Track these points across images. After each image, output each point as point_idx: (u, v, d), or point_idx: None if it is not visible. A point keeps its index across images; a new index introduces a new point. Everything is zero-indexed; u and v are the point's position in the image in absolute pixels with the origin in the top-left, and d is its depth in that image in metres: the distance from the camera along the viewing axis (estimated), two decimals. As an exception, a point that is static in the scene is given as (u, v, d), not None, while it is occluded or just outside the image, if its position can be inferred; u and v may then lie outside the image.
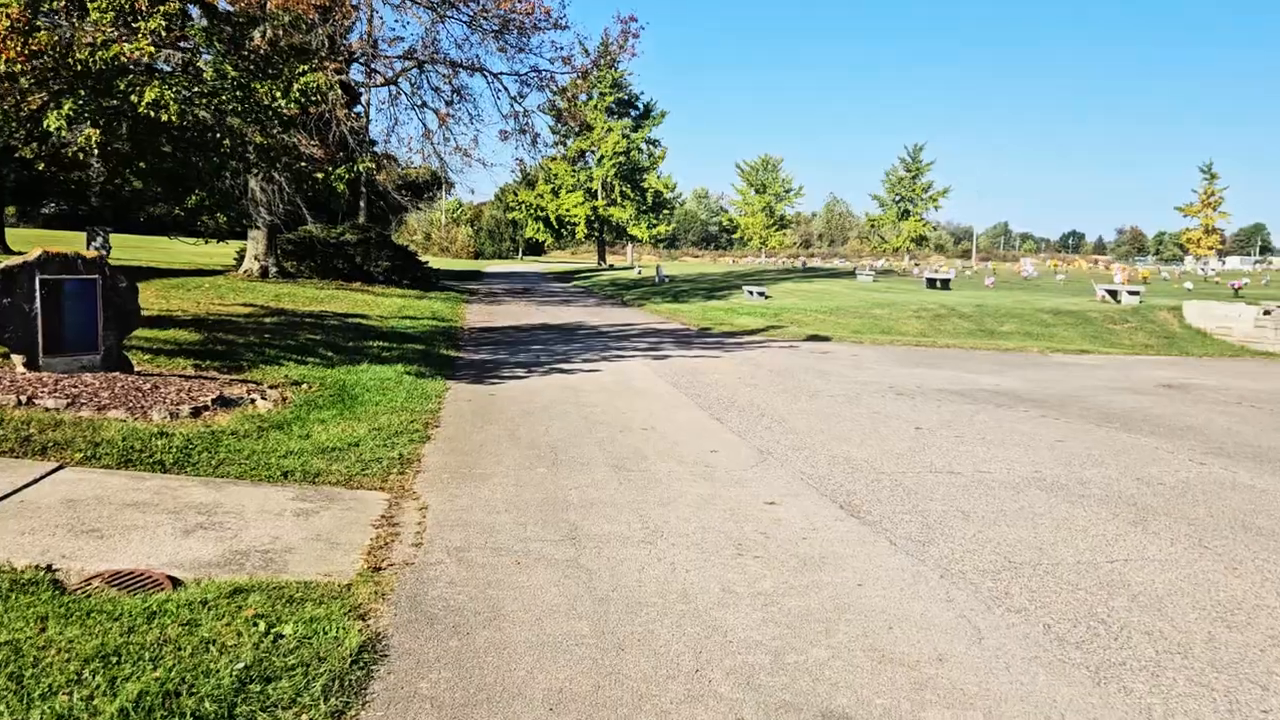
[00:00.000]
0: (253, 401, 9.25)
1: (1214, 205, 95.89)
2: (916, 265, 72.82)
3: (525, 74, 30.16)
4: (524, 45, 29.50)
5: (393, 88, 30.41)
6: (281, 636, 4.01)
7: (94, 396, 8.31)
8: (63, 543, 5.09)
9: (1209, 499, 7.27)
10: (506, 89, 30.27)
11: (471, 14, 28.34)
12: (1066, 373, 15.87)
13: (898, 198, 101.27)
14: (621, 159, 73.96)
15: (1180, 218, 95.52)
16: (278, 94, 11.00)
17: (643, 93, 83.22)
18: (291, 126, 12.99)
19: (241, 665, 3.69)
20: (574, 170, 75.48)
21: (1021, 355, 18.76)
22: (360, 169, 12.78)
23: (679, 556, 5.52)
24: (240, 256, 30.37)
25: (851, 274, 50.78)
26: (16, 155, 13.76)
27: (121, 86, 9.12)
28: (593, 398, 11.47)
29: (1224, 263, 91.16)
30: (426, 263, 38.82)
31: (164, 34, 9.10)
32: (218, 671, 3.62)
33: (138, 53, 8.95)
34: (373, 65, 29.67)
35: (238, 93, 10.91)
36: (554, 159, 70.50)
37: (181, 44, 11.10)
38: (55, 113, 9.07)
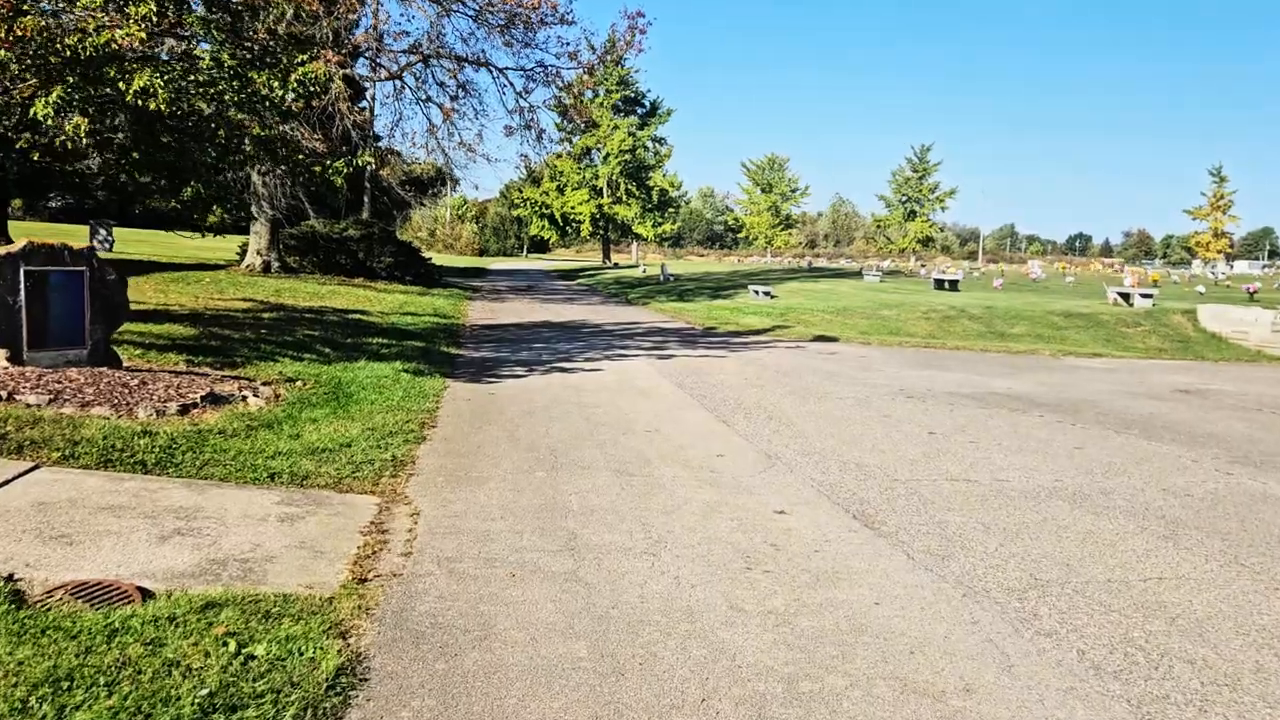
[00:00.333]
0: (244, 399, 8.94)
1: (1223, 209, 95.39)
2: (923, 266, 72.41)
3: (531, 69, 29.83)
4: (530, 40, 29.17)
5: (397, 82, 30.08)
6: (253, 658, 3.70)
7: (78, 392, 8.01)
8: (29, 550, 4.78)
9: (1240, 512, 6.93)
10: (512, 84, 29.90)
11: (478, 8, 28.02)
12: (1080, 376, 15.51)
13: (904, 198, 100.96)
14: (627, 156, 73.60)
15: (1188, 221, 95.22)
16: (275, 84, 10.68)
17: (649, 90, 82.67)
18: (290, 118, 12.69)
19: (206, 692, 3.38)
20: (579, 168, 75.13)
21: (1033, 358, 18.40)
22: (360, 162, 12.48)
23: (684, 570, 5.20)
24: (242, 251, 30.10)
25: (858, 274, 50.41)
26: (18, 147, 13.48)
27: (111, 74, 8.80)
28: (595, 398, 11.15)
29: (1232, 266, 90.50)
30: (430, 259, 38.49)
31: (155, 19, 8.78)
32: (179, 699, 3.31)
33: (129, 39, 8.63)
34: (378, 59, 29.38)
35: (234, 82, 10.60)
36: (559, 156, 70.13)
37: (178, 31, 10.79)
38: (43, 100, 8.77)
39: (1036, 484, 7.63)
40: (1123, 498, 7.26)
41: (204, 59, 10.81)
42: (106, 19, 8.84)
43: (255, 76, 10.56)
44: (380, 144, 35.07)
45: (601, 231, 78.97)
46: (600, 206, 74.97)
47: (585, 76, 31.38)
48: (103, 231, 38.89)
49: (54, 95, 8.60)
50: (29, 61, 8.83)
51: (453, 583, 4.85)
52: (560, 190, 75.46)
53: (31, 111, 8.68)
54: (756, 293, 32.18)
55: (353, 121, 26.02)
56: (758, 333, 21.31)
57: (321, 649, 3.84)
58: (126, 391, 8.30)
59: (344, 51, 24.04)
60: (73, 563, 4.69)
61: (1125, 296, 28.02)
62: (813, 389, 12.62)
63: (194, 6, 11.67)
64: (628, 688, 3.77)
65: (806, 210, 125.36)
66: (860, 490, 7.18)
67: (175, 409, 8.08)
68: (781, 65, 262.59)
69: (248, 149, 11.17)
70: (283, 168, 13.91)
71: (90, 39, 8.39)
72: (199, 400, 8.44)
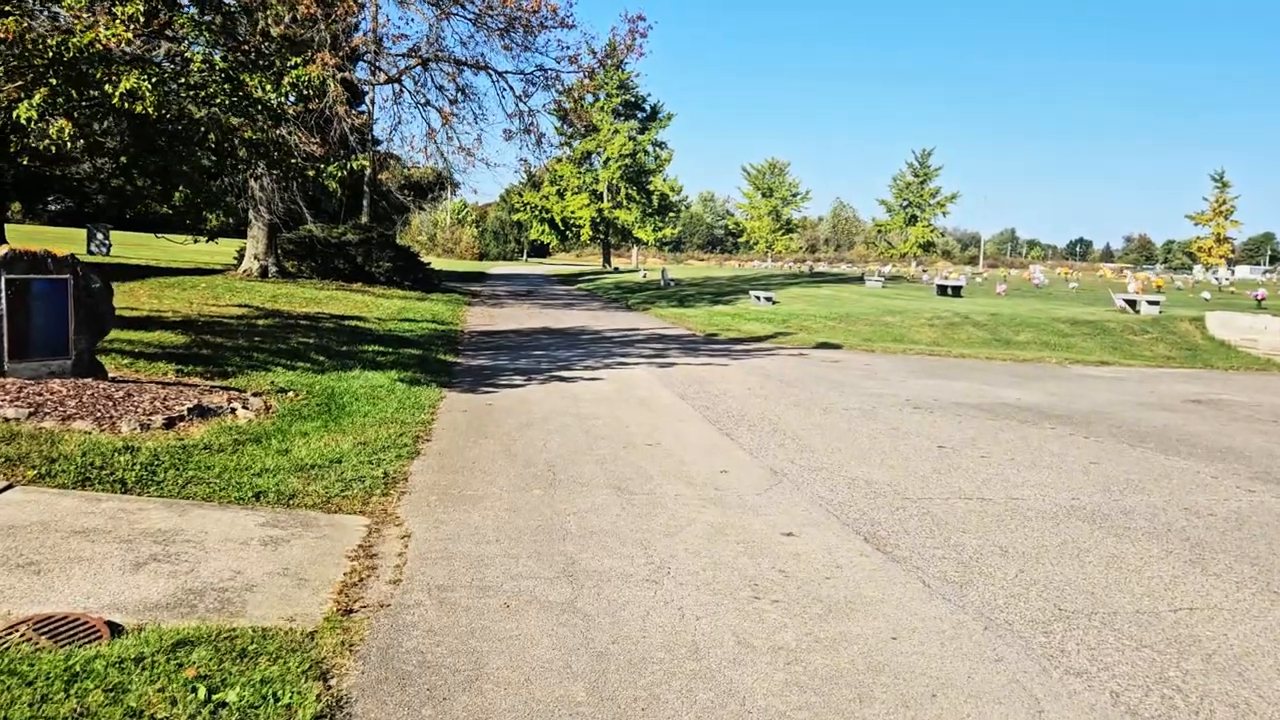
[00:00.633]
0: (232, 411, 8.67)
1: (1225, 214, 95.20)
2: (924, 271, 72.14)
3: (531, 73, 29.60)
4: (530, 44, 28.95)
5: (396, 86, 29.85)
6: (224, 705, 3.42)
7: (59, 405, 7.73)
8: (-7, 579, 4.50)
9: (1268, 533, 6.65)
10: (511, 88, 29.67)
11: (477, 11, 27.80)
12: (1089, 386, 15.24)
13: (905, 203, 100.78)
14: (628, 161, 73.42)
15: (1190, 226, 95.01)
16: (268, 86, 10.42)
17: (649, 94, 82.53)
18: (284, 121, 12.43)
19: (169, 747, 3.10)
20: (580, 172, 74.95)
21: (1040, 366, 18.12)
22: (355, 166, 12.19)
23: (688, 599, 4.92)
24: (240, 256, 29.84)
25: (860, 279, 50.13)
26: (11, 150, 13.23)
27: (97, 75, 8.54)
28: (595, 409, 10.87)
29: (1233, 272, 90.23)
30: (429, 264, 38.25)
31: (143, 19, 8.52)
32: (139, 756, 3.03)
33: (114, 39, 8.37)
34: (376, 63, 29.14)
35: (225, 85, 10.34)
36: (559, 160, 69.99)
37: (166, 33, 10.53)
38: (26, 102, 8.50)
39: (1053, 502, 7.35)
40: (1144, 518, 6.98)
41: (195, 61, 10.56)
42: (92, 19, 8.57)
43: (248, 79, 10.30)
44: (379, 148, 34.84)
45: (602, 236, 78.76)
46: (600, 211, 74.77)
47: (586, 80, 31.16)
48: (100, 235, 38.72)
49: (37, 98, 8.33)
50: (13, 64, 8.57)
51: (443, 614, 4.57)
52: (560, 195, 75.28)
53: (15, 114, 8.41)
54: (758, 298, 31.92)
55: (351, 125, 25.79)
56: (759, 340, 21.03)
57: (299, 694, 3.56)
58: (110, 404, 8.02)
59: (341, 54, 23.81)
60: (39, 594, 4.41)
61: (1132, 303, 27.74)
62: (817, 400, 12.34)
63: (185, 8, 11.42)
64: (629, 737, 3.49)
65: (807, 215, 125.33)
66: (870, 510, 6.90)
67: (160, 422, 7.81)
68: (782, 69, 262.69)
69: (240, 153, 10.90)
70: (276, 171, 13.63)
71: (74, 40, 8.13)
72: (186, 413, 8.17)
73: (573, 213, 75.15)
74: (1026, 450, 9.45)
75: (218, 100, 10.42)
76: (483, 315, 25.89)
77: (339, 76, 23.43)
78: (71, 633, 4.00)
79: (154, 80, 8.61)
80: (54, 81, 8.38)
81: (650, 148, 75.94)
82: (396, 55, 29.09)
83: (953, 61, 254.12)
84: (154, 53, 11.12)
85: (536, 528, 6.09)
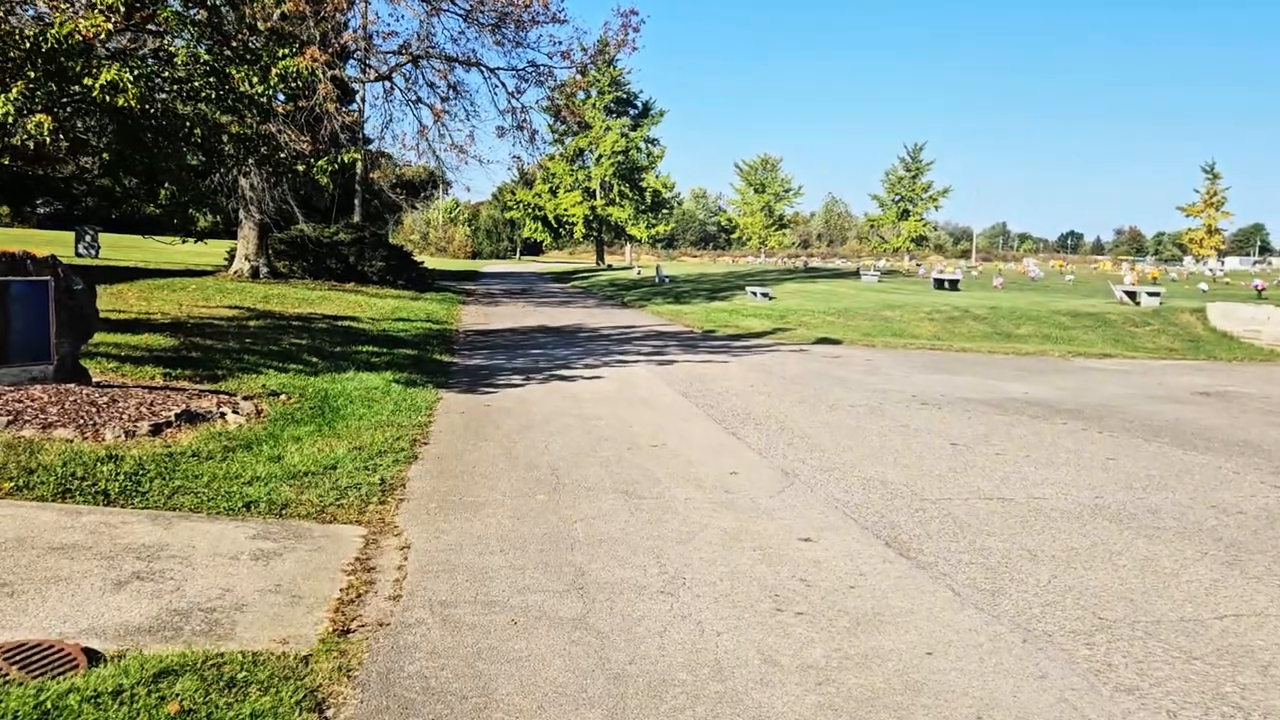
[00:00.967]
0: (222, 416, 8.35)
1: (1216, 205, 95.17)
2: (919, 265, 71.97)
3: (523, 69, 29.30)
4: (521, 40, 28.64)
5: (386, 83, 29.52)
6: (211, 743, 3.12)
7: (40, 413, 7.41)
8: (-37, 602, 4.20)
9: (1303, 532, 6.39)
10: (504, 84, 29.36)
11: (468, 7, 27.48)
12: (1094, 379, 14.99)
13: (897, 197, 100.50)
14: (620, 158, 73.07)
15: (1180, 218, 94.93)
16: (255, 79, 10.09)
17: (641, 91, 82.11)
18: (272, 116, 12.09)
19: (149, 795, 2.80)
20: (572, 169, 74.58)
21: (1043, 360, 17.87)
22: (346, 159, 11.87)
23: (707, 613, 4.63)
24: (230, 256, 29.45)
25: (855, 274, 49.92)
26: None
27: (77, 68, 8.21)
28: (596, 409, 10.58)
29: (1223, 263, 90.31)
30: (422, 263, 37.87)
31: (122, 9, 8.18)
32: (114, 807, 2.73)
33: (93, 30, 8.03)
34: (367, 60, 28.77)
35: (211, 79, 10.00)
36: (552, 158, 69.65)
37: (149, 26, 10.19)
38: (3, 97, 8.16)
39: (1076, 501, 7.08)
40: (1171, 517, 6.71)
41: (179, 55, 10.22)
42: (70, 9, 8.24)
43: (234, 72, 9.97)
44: (371, 146, 34.46)
45: (595, 233, 78.41)
46: (593, 208, 74.43)
47: (578, 77, 30.86)
48: (88, 237, 38.23)
49: (14, 92, 7.99)
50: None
51: (447, 634, 4.27)
52: (553, 192, 74.91)
53: (-10, 110, 8.06)
54: (754, 294, 31.65)
55: (341, 123, 25.43)
56: (758, 336, 20.76)
57: (293, 728, 3.26)
58: (94, 410, 7.70)
59: (331, 51, 23.46)
60: (11, 618, 4.10)
61: (1132, 295, 27.53)
62: (822, 396, 12.06)
63: (169, 3, 11.07)
64: (654, 771, 3.20)
65: (800, 210, 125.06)
66: (888, 512, 6.62)
67: (146, 429, 7.49)
68: (773, 65, 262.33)
69: (227, 149, 10.56)
70: (266, 168, 13.29)
71: (52, 31, 7.79)
72: (173, 419, 7.85)
73: (566, 210, 74.78)
74: (1041, 446, 9.18)
75: (203, 94, 10.09)
76: (478, 314, 25.56)
77: (329, 74, 23.10)
78: (45, 662, 3.70)
79: (136, 73, 8.27)
80: (32, 74, 8.04)
81: (642, 144, 75.61)
82: (387, 52, 28.76)
83: (944, 56, 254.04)
84: (140, 49, 10.79)
85: (542, 536, 5.80)
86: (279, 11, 14.47)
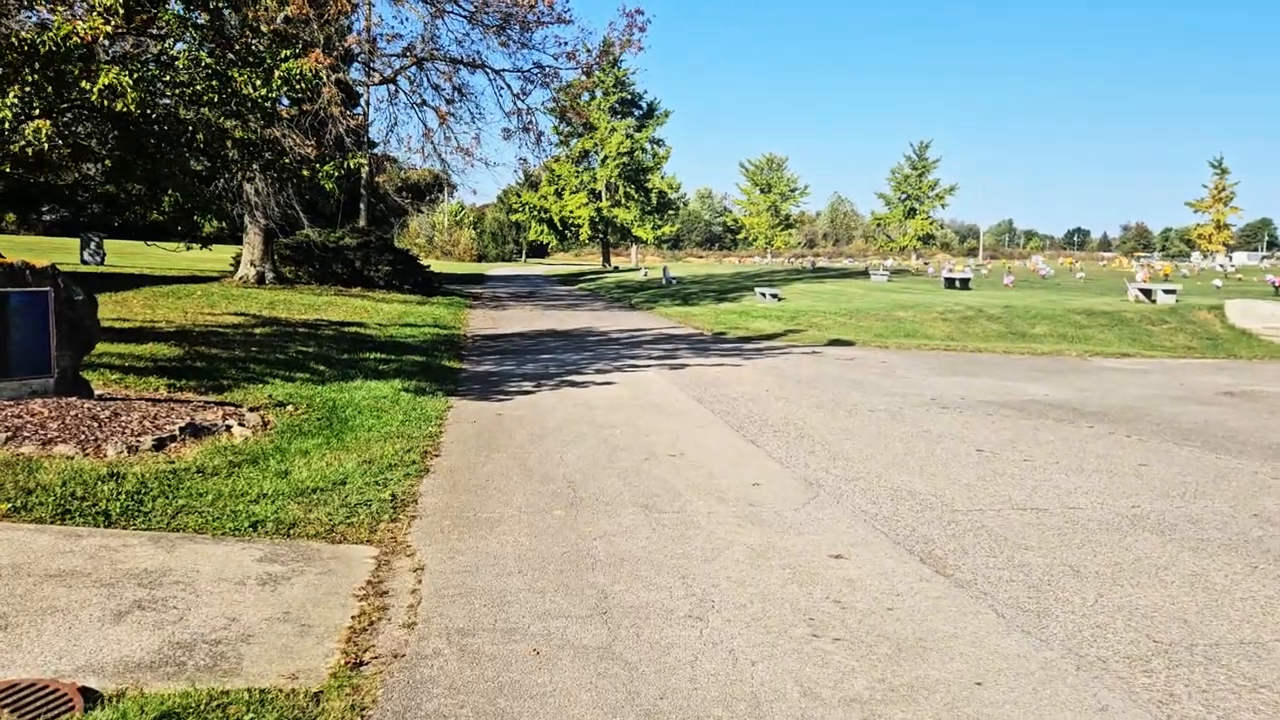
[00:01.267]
0: (228, 429, 8.13)
1: (1225, 200, 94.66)
2: (927, 264, 71.59)
3: (528, 70, 29.02)
4: (526, 41, 28.38)
5: (391, 86, 29.31)
6: (215, 798, 2.88)
7: (40, 428, 7.19)
8: (-46, 637, 3.96)
9: (1355, 543, 6.11)
10: (509, 86, 29.09)
11: (472, 8, 27.25)
12: (1115, 379, 14.70)
13: (904, 196, 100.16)
14: (625, 159, 72.77)
15: (1188, 214, 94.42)
16: (257, 82, 9.87)
17: (646, 91, 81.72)
18: (275, 120, 11.87)
19: None
20: (578, 171, 74.32)
21: (1060, 360, 17.58)
22: (352, 164, 11.66)
23: (739, 640, 4.38)
24: (236, 262, 29.27)
25: (864, 274, 49.60)
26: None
27: (75, 72, 7.99)
28: (610, 416, 10.33)
29: (1231, 258, 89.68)
30: (428, 266, 37.64)
31: (121, 10, 7.96)
32: None
33: (91, 33, 7.81)
34: (371, 63, 28.57)
35: (213, 82, 9.79)
36: (557, 160, 69.40)
37: (150, 31, 9.97)
38: (0, 101, 7.95)
39: (1113, 511, 6.81)
40: (1214, 527, 6.44)
41: (180, 59, 10.01)
42: (68, 11, 8.02)
43: (236, 75, 9.75)
44: (375, 150, 34.27)
45: (601, 235, 78.15)
46: (599, 210, 74.17)
47: (584, 78, 30.60)
48: (94, 244, 38.07)
49: (11, 96, 7.78)
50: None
51: (465, 666, 4.03)
52: (559, 194, 74.66)
53: (-12, 117, 7.85)
54: (763, 295, 31.37)
55: (346, 127, 25.21)
56: (770, 338, 20.49)
57: (303, 779, 3.02)
58: (96, 425, 7.48)
59: (335, 55, 23.25)
60: (4, 655, 3.87)
61: (1147, 293, 27.18)
62: (840, 400, 11.80)
63: (170, 5, 10.86)
64: (695, 825, 2.95)
65: (805, 210, 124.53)
66: (920, 525, 6.36)
67: (150, 444, 7.26)
68: (777, 65, 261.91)
69: (229, 153, 10.34)
70: (271, 173, 13.07)
71: (49, 33, 7.58)
72: (177, 432, 7.63)
73: (571, 212, 74.51)
74: (1070, 452, 8.92)
75: (206, 98, 9.87)
76: (485, 318, 25.34)
77: (334, 78, 22.89)
78: (39, 704, 3.46)
79: (135, 76, 8.05)
80: (30, 78, 7.83)
81: (648, 145, 75.28)
82: (391, 55, 28.53)
83: (948, 53, 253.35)
84: (143, 54, 10.58)
85: (561, 555, 5.55)
86: (282, 15, 14.27)
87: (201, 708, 3.45)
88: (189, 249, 16.22)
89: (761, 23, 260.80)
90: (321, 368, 12.61)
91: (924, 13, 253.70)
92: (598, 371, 14.27)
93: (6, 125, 7.85)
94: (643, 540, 5.88)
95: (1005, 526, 6.36)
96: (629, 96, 74.14)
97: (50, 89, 8.00)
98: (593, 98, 64.54)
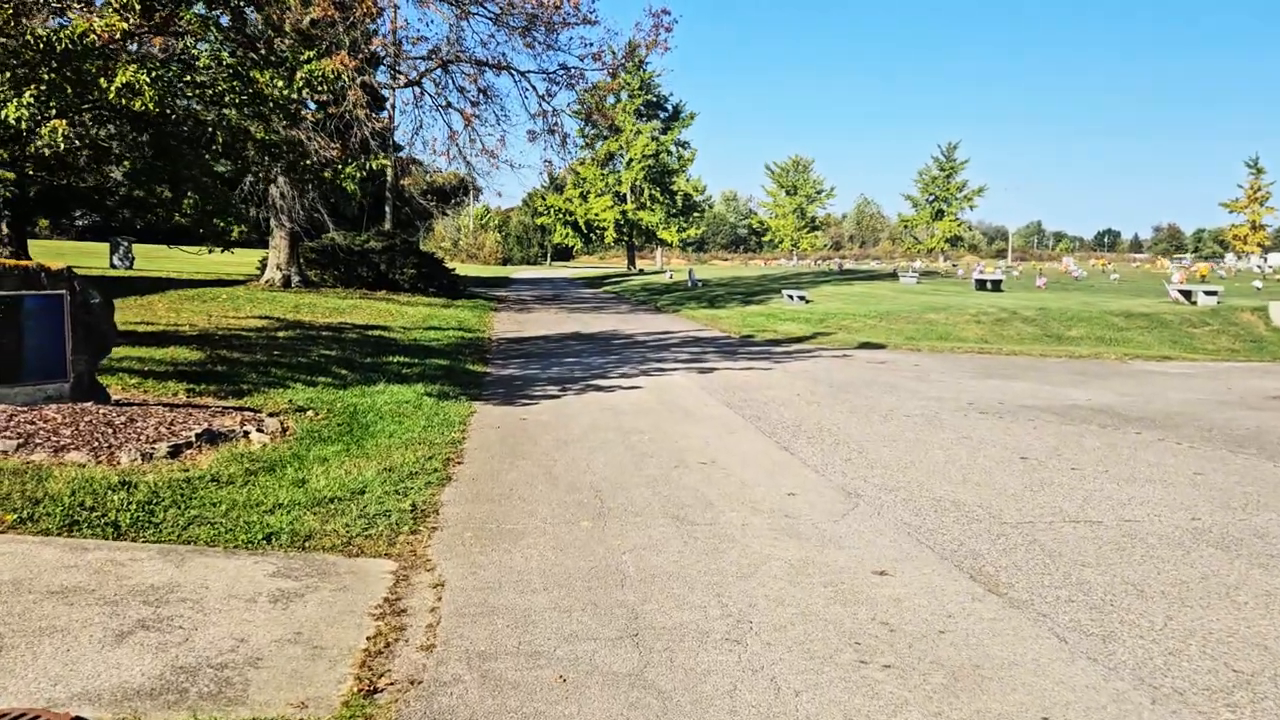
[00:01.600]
0: (245, 435, 7.91)
1: (1261, 200, 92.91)
2: (955, 266, 70.78)
3: (554, 72, 28.81)
4: (552, 42, 28.18)
5: (416, 89, 29.19)
6: None
7: (53, 435, 7.00)
8: (-55, 660, 3.73)
9: None
10: (534, 88, 28.89)
11: (497, 10, 27.09)
12: (1158, 383, 14.21)
13: (931, 197, 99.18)
14: (650, 162, 72.52)
15: (1222, 214, 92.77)
16: (279, 83, 9.67)
17: (671, 94, 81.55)
18: (299, 122, 11.70)
19: None
20: (603, 173, 74.16)
21: (1100, 363, 17.09)
22: (374, 165, 11.45)
23: (780, 666, 4.06)
24: (262, 266, 29.29)
25: (892, 276, 49.01)
26: (6, 156, 12.59)
27: (92, 70, 7.81)
28: (637, 422, 10.04)
29: (1266, 259, 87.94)
30: (453, 270, 37.60)
31: (138, 7, 7.78)
32: None
33: (109, 30, 7.64)
34: (396, 66, 28.49)
35: (234, 82, 9.61)
36: (583, 162, 69.34)
37: (170, 29, 9.81)
38: (16, 101, 7.79)
39: (1172, 524, 6.42)
40: (1283, 542, 6.04)
41: (201, 58, 9.84)
42: (86, 13, 7.85)
43: (258, 75, 9.56)
44: (401, 153, 34.23)
45: (625, 237, 77.91)
46: (624, 212, 73.94)
47: (609, 79, 30.36)
48: (123, 248, 38.35)
49: (27, 95, 7.61)
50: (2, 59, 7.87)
51: (487, 695, 3.74)
52: (584, 197, 74.54)
53: (3, 114, 7.69)
54: (790, 297, 30.97)
55: (372, 130, 25.13)
56: (798, 341, 20.12)
57: (308, 828, 2.74)
58: (110, 431, 7.28)
59: (360, 57, 23.15)
60: (-3, 680, 3.63)
61: (1187, 294, 26.51)
62: (875, 405, 11.43)
63: (191, 3, 10.72)
64: None
65: (831, 212, 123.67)
66: (967, 539, 6.01)
67: (165, 451, 7.06)
68: (804, 66, 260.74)
69: (251, 154, 10.16)
70: (292, 175, 12.91)
71: (66, 31, 7.40)
72: (193, 439, 7.42)
73: (596, 215, 74.34)
74: (1118, 460, 8.51)
75: (226, 99, 9.69)
76: (510, 321, 25.14)
77: (359, 80, 22.80)
78: (29, 736, 3.21)
79: (154, 75, 7.86)
80: (46, 77, 7.66)
81: (673, 148, 75.00)
82: (416, 58, 28.44)
83: (976, 53, 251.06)
84: (166, 54, 10.43)
85: (589, 571, 5.26)
86: (309, 18, 14.13)
87: (201, 743, 3.19)
88: (210, 252, 16.09)
89: (788, 23, 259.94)
90: (344, 371, 12.42)
91: (953, 12, 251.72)
92: (624, 375, 13.98)
93: (24, 125, 7.68)
94: (674, 554, 5.58)
95: (1059, 540, 5.99)
96: (654, 99, 73.91)
97: (68, 88, 7.83)
98: (618, 100, 64.35)
